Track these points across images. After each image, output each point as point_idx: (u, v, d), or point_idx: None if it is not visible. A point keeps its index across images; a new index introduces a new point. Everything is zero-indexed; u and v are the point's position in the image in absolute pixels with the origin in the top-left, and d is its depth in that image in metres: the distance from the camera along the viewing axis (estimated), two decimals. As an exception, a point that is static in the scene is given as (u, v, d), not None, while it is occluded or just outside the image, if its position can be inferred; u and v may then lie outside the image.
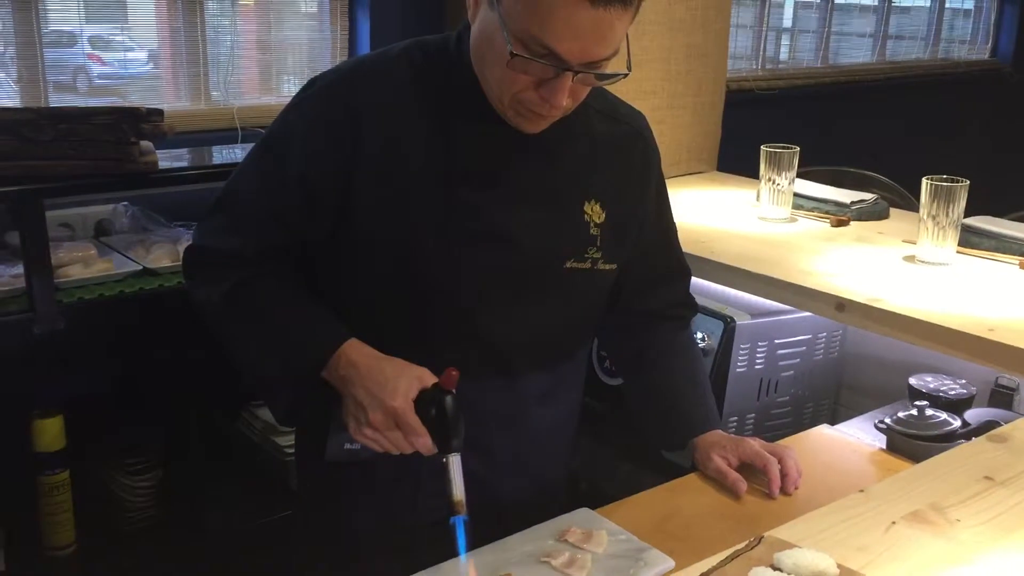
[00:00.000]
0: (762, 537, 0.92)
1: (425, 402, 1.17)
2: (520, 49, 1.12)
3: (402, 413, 1.16)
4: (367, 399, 1.18)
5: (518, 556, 1.19)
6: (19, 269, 1.87)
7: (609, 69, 1.17)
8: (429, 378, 1.19)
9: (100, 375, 2.05)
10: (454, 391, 1.18)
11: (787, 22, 4.33)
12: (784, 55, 4.27)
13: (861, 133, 4.07)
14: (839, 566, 0.86)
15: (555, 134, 1.27)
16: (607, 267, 1.36)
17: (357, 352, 1.23)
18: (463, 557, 1.17)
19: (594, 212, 1.34)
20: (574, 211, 1.32)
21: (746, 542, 0.92)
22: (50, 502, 1.97)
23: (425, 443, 1.18)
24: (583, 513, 1.30)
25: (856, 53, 4.50)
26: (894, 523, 0.98)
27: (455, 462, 1.18)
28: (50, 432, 1.94)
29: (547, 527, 1.25)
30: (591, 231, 1.33)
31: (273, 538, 2.04)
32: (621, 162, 1.38)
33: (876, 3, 4.51)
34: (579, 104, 1.24)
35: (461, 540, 1.17)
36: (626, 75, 1.19)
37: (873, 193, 2.40)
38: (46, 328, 1.81)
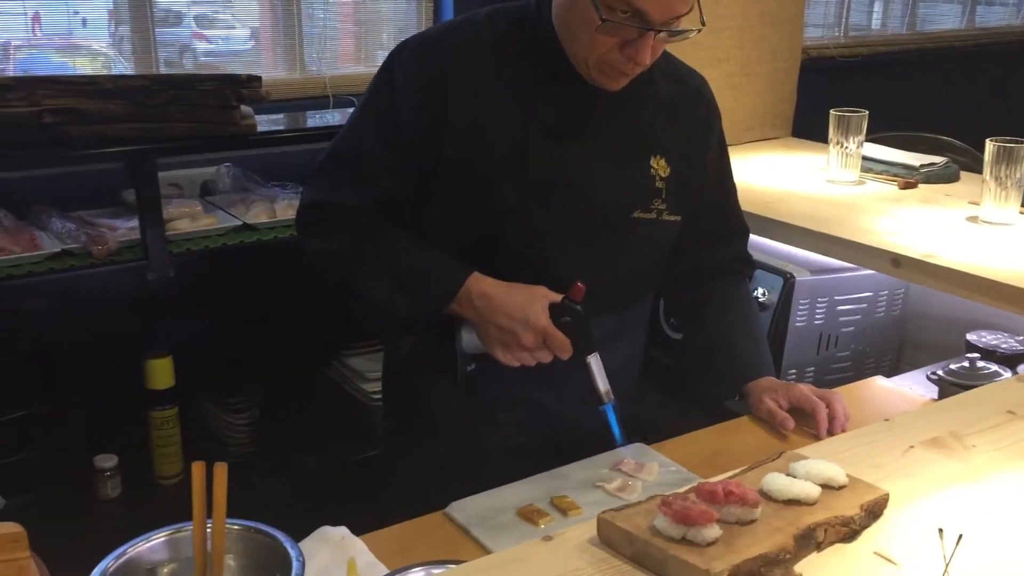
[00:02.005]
0: (783, 452, 1.02)
1: (557, 314, 1.33)
2: (608, 14, 1.24)
3: (550, 330, 1.31)
4: (514, 324, 1.31)
5: (575, 482, 1.31)
6: (135, 222, 2.05)
7: (684, 26, 1.28)
8: (553, 295, 1.34)
9: (205, 320, 2.23)
10: (581, 301, 1.33)
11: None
12: (876, 23, 4.23)
13: (944, 99, 4.01)
14: (849, 476, 0.95)
15: (625, 94, 1.38)
16: (671, 218, 1.46)
17: (484, 284, 1.35)
18: (618, 437, 1.35)
19: (660, 166, 1.44)
20: (641, 165, 1.43)
21: (767, 456, 1.01)
22: (160, 435, 2.16)
23: (570, 352, 1.33)
24: (637, 447, 1.40)
25: (944, 20, 4.43)
26: (912, 447, 1.06)
27: (595, 360, 1.35)
28: (161, 371, 2.14)
29: (603, 458, 1.36)
30: (657, 184, 1.44)
31: (359, 474, 2.20)
32: (684, 120, 1.48)
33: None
34: (649, 67, 1.34)
35: (613, 423, 1.35)
36: (699, 30, 1.30)
37: (946, 157, 2.41)
38: (158, 275, 1.98)
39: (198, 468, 0.86)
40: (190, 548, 0.98)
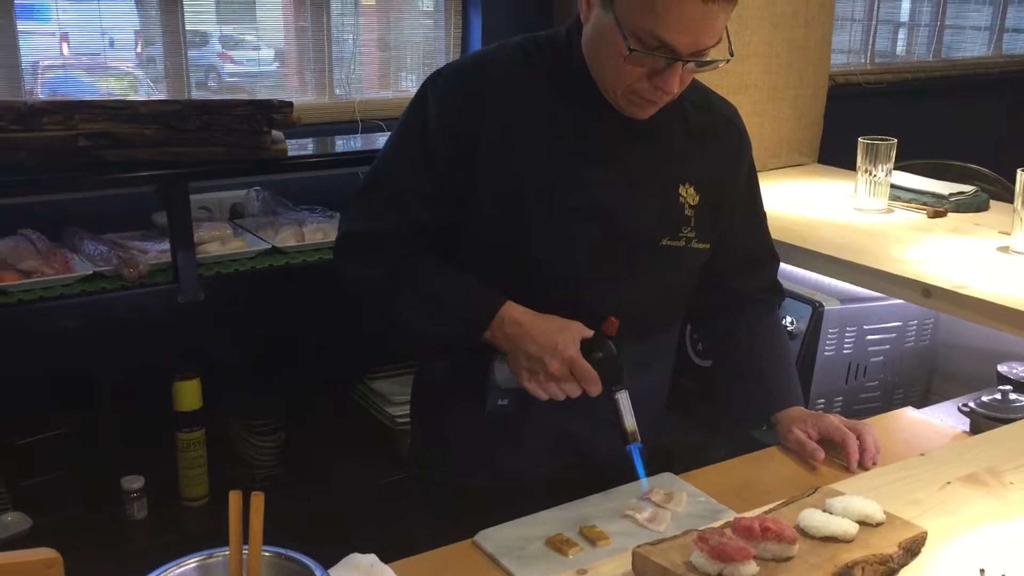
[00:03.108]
0: (818, 488, 1.01)
1: (588, 349, 1.32)
2: (636, 44, 1.24)
3: (578, 361, 1.31)
4: (542, 352, 1.31)
5: (604, 511, 1.30)
6: (165, 245, 2.07)
7: (712, 56, 1.28)
8: (586, 329, 1.33)
9: (233, 343, 2.24)
10: (614, 336, 1.32)
11: (904, 16, 4.30)
12: (902, 49, 4.24)
13: (971, 127, 4.00)
14: (887, 513, 0.94)
15: (655, 123, 1.38)
16: (700, 246, 1.46)
17: (517, 312, 1.35)
18: (643, 480, 1.32)
19: (688, 195, 1.44)
20: (670, 193, 1.43)
21: (803, 491, 1.01)
22: (187, 457, 2.17)
23: (597, 386, 1.32)
24: (666, 476, 1.39)
25: (971, 47, 4.43)
26: (949, 483, 1.05)
27: (624, 398, 1.33)
28: (188, 393, 2.15)
29: (632, 487, 1.34)
30: (686, 212, 1.44)
31: (385, 498, 2.20)
32: (714, 149, 1.48)
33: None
34: (678, 96, 1.34)
35: (639, 464, 1.32)
36: (728, 60, 1.30)
37: (975, 186, 2.40)
38: (188, 298, 2.00)
39: (235, 497, 0.86)
40: (221, 575, 0.98)
